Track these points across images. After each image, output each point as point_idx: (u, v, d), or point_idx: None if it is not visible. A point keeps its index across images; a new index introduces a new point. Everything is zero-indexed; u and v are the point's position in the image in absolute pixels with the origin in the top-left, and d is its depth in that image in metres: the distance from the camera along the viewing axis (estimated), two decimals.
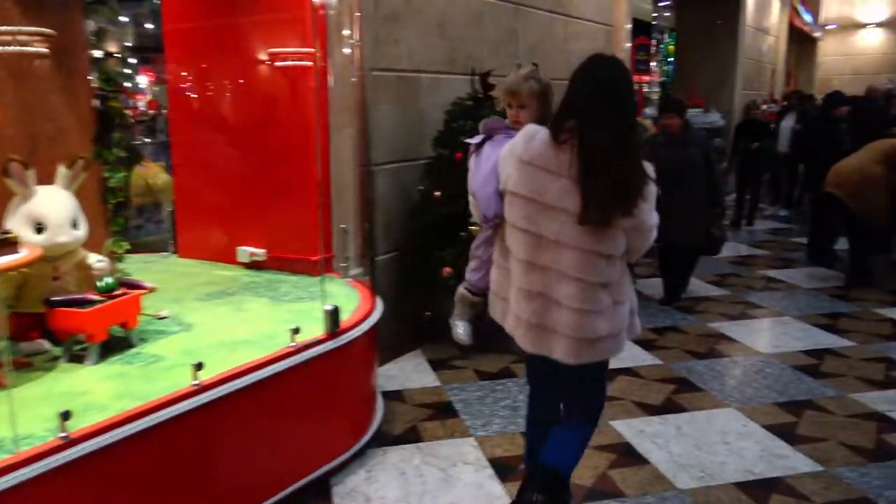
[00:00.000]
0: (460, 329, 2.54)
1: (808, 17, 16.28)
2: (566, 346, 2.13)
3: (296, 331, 2.75)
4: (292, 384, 2.70)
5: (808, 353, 4.54)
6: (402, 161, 4.29)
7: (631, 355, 4.37)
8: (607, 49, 6.76)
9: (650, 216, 2.12)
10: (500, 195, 2.19)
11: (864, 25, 17.84)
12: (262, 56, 3.76)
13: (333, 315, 2.89)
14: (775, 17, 13.74)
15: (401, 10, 4.17)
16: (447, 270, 4.03)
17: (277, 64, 3.69)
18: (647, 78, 12.68)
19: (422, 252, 4.23)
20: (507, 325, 2.28)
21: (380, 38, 4.03)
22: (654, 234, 2.18)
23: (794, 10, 15.02)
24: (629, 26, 7.07)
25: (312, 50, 3.37)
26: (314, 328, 2.87)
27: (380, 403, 3.47)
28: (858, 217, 5.67)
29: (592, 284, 2.09)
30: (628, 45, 7.11)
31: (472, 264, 2.45)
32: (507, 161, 2.15)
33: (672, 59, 12.51)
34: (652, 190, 2.10)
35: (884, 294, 5.84)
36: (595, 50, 2.38)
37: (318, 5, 3.31)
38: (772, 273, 6.68)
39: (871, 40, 17.80)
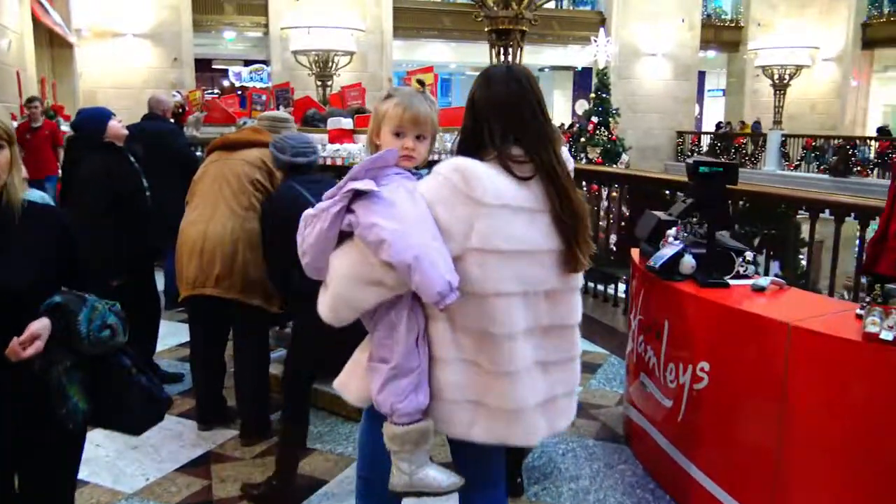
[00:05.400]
0: (442, 475, 1.78)
1: (56, 17, 13.50)
2: (566, 406, 1.92)
3: None
4: None
5: None
6: None
7: None
8: None
9: None
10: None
11: (122, 35, 16.03)
12: None
13: None
14: (14, 9, 10.54)
15: None
16: None
17: None
18: None
19: None
20: (478, 432, 1.78)
21: None
22: None
23: (40, 5, 12.07)
24: None
25: None
26: None
27: None
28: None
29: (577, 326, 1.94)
30: None
31: (406, 383, 1.71)
32: (451, 210, 1.69)
33: None
34: None
35: None
36: None
37: None
38: None
39: (134, 51, 16.12)
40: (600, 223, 6.71)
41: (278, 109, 6.48)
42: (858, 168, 16.68)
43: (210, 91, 17.79)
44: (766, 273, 4.08)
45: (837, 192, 13.38)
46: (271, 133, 3.51)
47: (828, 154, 17.72)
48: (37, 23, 12.08)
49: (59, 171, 7.43)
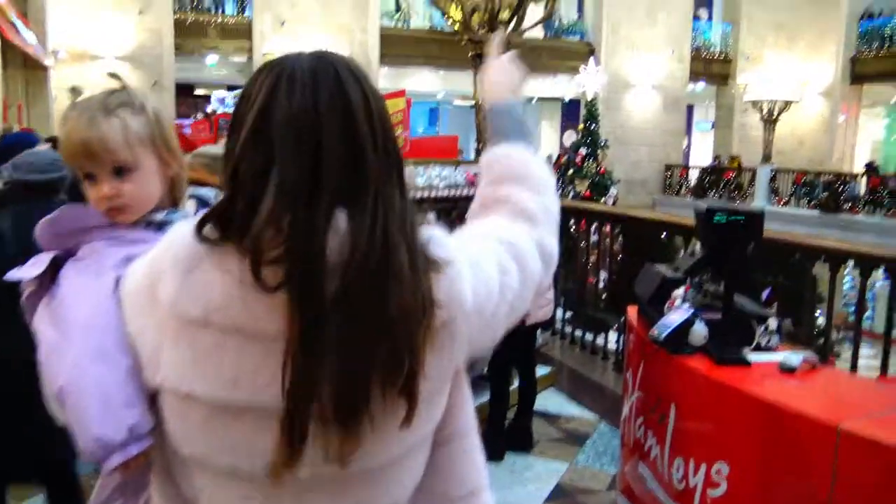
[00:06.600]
0: None
1: (30, 38, 13.01)
2: None
3: None
4: None
5: None
6: None
7: None
8: None
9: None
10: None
11: (101, 57, 15.57)
12: None
13: None
14: None
15: None
16: None
17: None
18: None
19: None
20: None
21: None
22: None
23: (10, 24, 11.58)
24: None
25: None
26: None
27: None
28: None
29: None
30: None
31: None
32: (136, 316, 0.95)
33: None
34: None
35: None
36: None
37: None
38: None
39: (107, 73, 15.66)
40: (589, 263, 6.22)
41: None
42: (849, 205, 16.41)
43: (195, 117, 17.36)
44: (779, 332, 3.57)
45: (828, 229, 13.03)
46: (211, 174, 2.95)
47: (818, 189, 17.46)
48: (7, 43, 11.60)
49: None
